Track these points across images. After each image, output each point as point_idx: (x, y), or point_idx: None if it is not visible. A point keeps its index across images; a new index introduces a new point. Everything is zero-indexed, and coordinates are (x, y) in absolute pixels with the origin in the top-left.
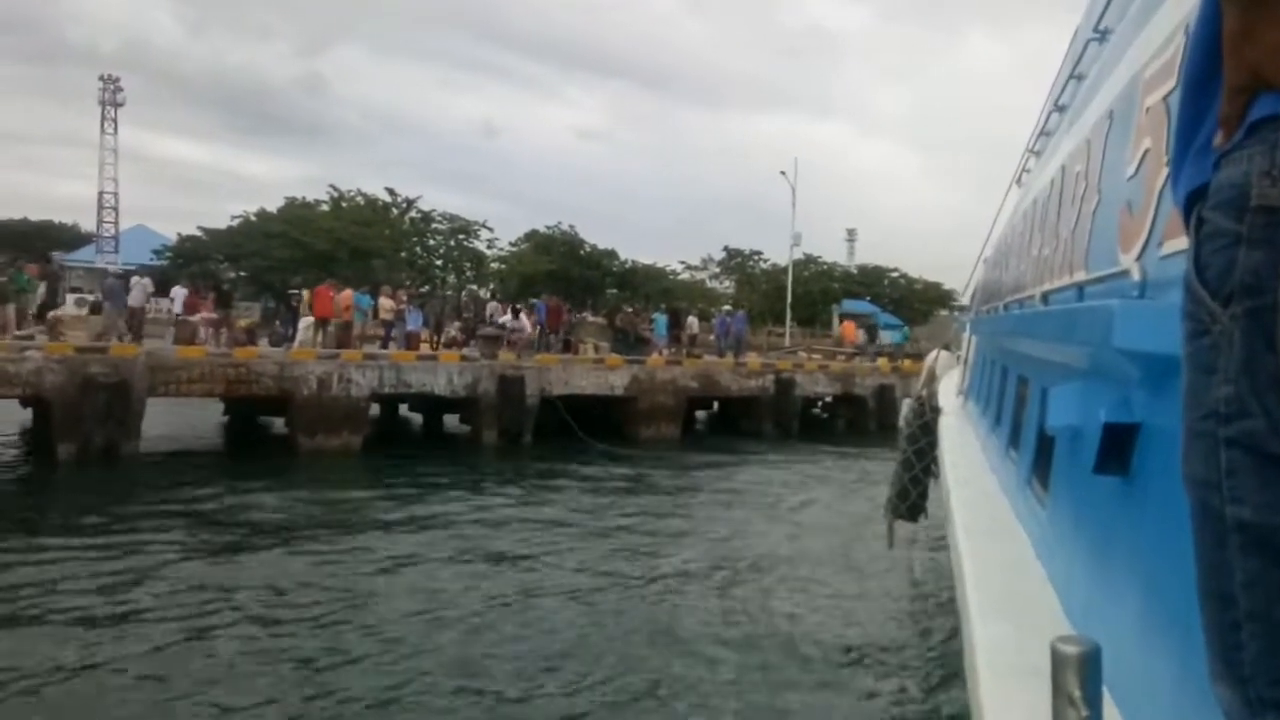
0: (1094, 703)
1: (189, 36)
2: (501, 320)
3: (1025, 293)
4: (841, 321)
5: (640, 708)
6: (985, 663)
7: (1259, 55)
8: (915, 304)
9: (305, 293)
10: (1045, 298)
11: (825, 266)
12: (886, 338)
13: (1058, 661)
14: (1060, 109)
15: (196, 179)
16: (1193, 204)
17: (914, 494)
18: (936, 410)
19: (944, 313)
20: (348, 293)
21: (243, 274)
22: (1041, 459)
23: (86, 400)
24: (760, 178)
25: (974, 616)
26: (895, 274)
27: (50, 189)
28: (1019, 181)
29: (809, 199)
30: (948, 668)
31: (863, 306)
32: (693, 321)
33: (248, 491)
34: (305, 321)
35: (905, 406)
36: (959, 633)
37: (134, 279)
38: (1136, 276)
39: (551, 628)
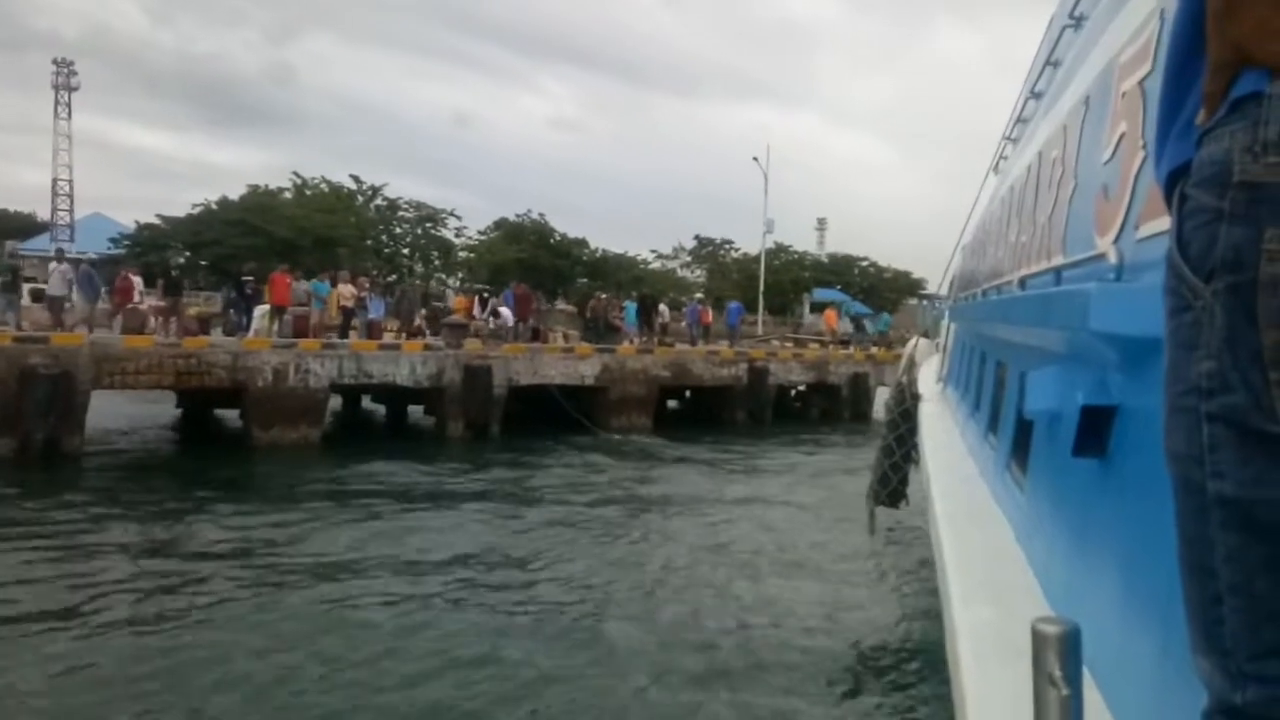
0: (1074, 681)
1: (155, 24)
2: (458, 318)
3: (1003, 278)
4: (812, 310)
5: (609, 704)
6: (967, 646)
7: (1242, 32)
8: (885, 292)
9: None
10: (1023, 283)
11: (796, 255)
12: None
13: (1038, 641)
14: (1037, 96)
15: (164, 168)
16: (1175, 182)
17: (895, 480)
18: (917, 397)
19: (913, 301)
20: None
21: (203, 263)
22: (1020, 443)
23: (26, 393)
24: (731, 168)
25: (955, 601)
26: (865, 263)
27: (9, 177)
28: (996, 169)
29: (779, 189)
30: (930, 652)
31: (833, 295)
32: (664, 310)
33: (194, 489)
34: (260, 310)
35: (885, 394)
36: (940, 617)
37: (52, 265)
38: (1113, 260)
39: (516, 644)
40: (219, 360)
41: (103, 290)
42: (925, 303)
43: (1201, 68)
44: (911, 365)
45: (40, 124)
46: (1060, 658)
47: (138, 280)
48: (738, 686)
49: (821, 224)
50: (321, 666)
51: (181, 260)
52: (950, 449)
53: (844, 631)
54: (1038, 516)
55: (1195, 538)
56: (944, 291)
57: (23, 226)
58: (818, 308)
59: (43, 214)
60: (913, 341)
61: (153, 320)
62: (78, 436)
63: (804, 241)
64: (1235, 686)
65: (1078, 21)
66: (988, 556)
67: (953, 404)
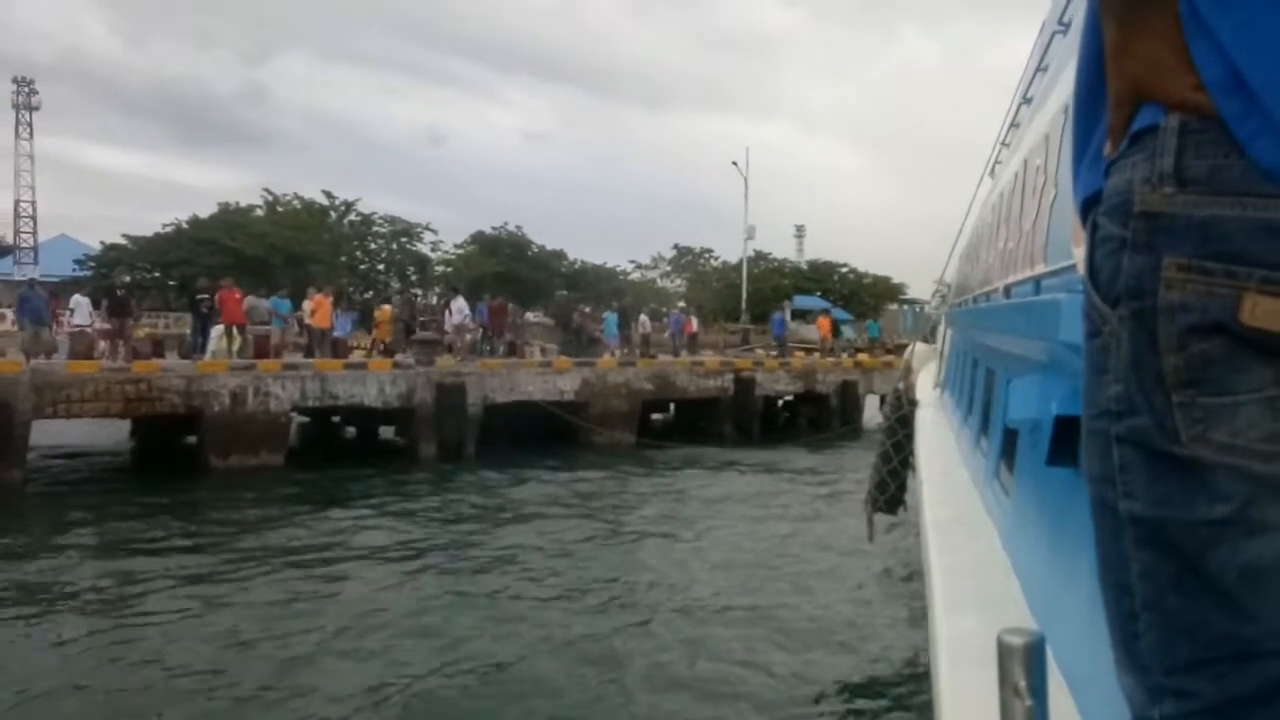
0: (1039, 692)
1: (127, 47)
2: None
3: (991, 285)
4: (793, 317)
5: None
6: (946, 654)
7: (1137, 68)
8: (865, 298)
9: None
10: (1008, 290)
11: (776, 263)
12: (845, 332)
13: (1003, 653)
14: (1028, 101)
15: (136, 189)
16: (1089, 209)
17: (892, 486)
18: (914, 403)
19: (893, 306)
20: (247, 297)
21: (171, 283)
22: (1007, 451)
23: None
24: (708, 178)
25: (938, 608)
26: (845, 269)
27: None
28: (991, 173)
29: (755, 198)
30: (915, 661)
31: (814, 302)
32: (644, 320)
33: (139, 520)
34: (216, 330)
35: (875, 402)
36: (925, 623)
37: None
38: (1083, 271)
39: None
40: (171, 385)
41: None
42: (906, 308)
43: (1106, 100)
44: (909, 370)
45: (6, 148)
46: (1025, 668)
47: (84, 301)
48: (720, 694)
49: (800, 231)
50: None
51: (128, 279)
52: (944, 455)
53: (831, 641)
54: (1022, 525)
55: (1111, 556)
56: (939, 296)
57: None
58: (798, 315)
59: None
60: (911, 347)
61: (101, 344)
62: (17, 469)
63: (783, 249)
64: (1153, 701)
65: (1066, 27)
66: (973, 564)
67: (948, 410)
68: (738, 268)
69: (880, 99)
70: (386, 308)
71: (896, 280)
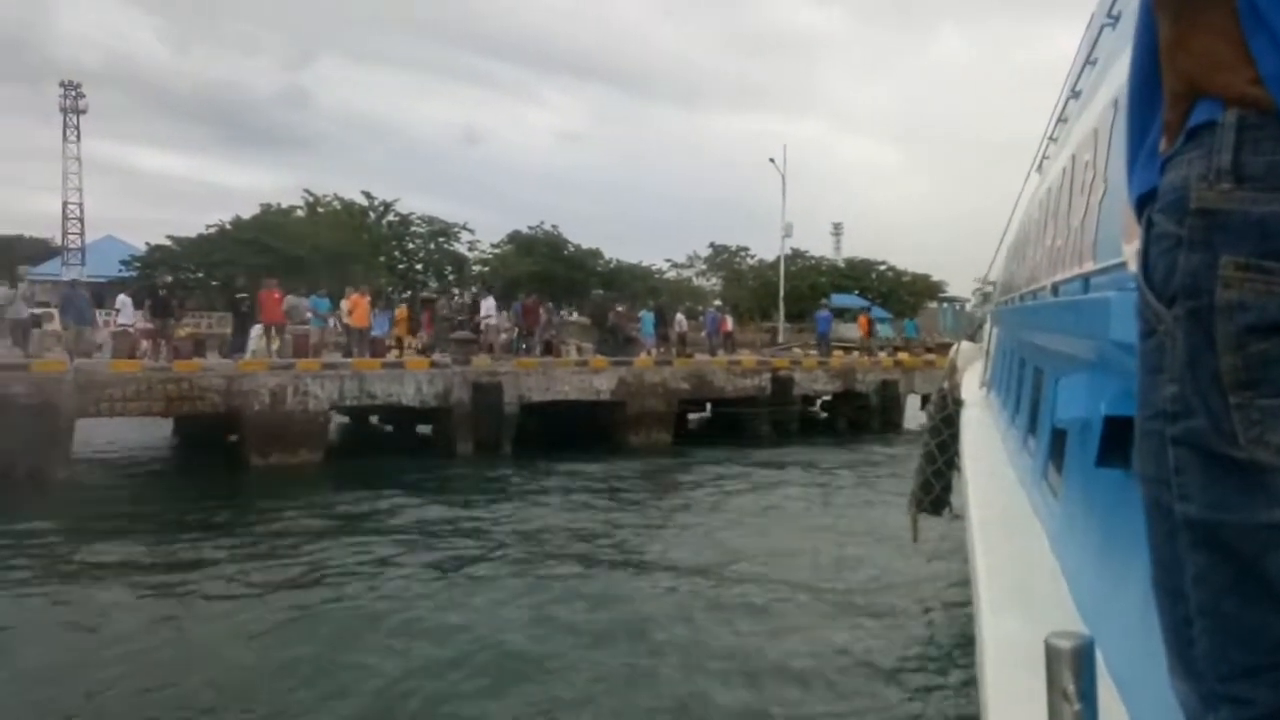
0: (1088, 696)
1: (174, 53)
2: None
3: (1039, 283)
4: (833, 315)
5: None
6: (993, 657)
7: (1192, 63)
8: (904, 296)
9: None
10: (1055, 289)
11: (813, 261)
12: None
13: (1051, 656)
14: (1076, 95)
15: (182, 191)
16: (1144, 206)
17: (937, 487)
18: (959, 402)
19: (933, 304)
20: (287, 297)
21: (214, 283)
22: (1055, 451)
23: (5, 424)
24: (744, 176)
25: (985, 610)
26: (883, 267)
27: (22, 204)
28: (1039, 168)
29: (792, 196)
30: (962, 663)
31: (852, 301)
32: (681, 319)
33: (181, 517)
34: (256, 330)
35: (915, 402)
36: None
37: None
38: (1134, 268)
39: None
40: (212, 384)
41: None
42: (945, 306)
43: (1162, 96)
44: (954, 370)
45: (55, 150)
46: (1074, 672)
47: (128, 301)
48: (765, 690)
49: (838, 229)
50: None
51: (169, 279)
52: (990, 455)
53: (876, 641)
54: (1071, 526)
55: (1165, 560)
56: (979, 294)
57: (36, 252)
58: (836, 313)
59: (60, 239)
60: (956, 346)
61: (144, 344)
62: (63, 467)
63: (819, 247)
64: (1208, 708)
65: (1115, 20)
66: (1021, 565)
67: (994, 410)
68: (774, 266)
69: (917, 95)
70: (404, 307)
71: (936, 278)
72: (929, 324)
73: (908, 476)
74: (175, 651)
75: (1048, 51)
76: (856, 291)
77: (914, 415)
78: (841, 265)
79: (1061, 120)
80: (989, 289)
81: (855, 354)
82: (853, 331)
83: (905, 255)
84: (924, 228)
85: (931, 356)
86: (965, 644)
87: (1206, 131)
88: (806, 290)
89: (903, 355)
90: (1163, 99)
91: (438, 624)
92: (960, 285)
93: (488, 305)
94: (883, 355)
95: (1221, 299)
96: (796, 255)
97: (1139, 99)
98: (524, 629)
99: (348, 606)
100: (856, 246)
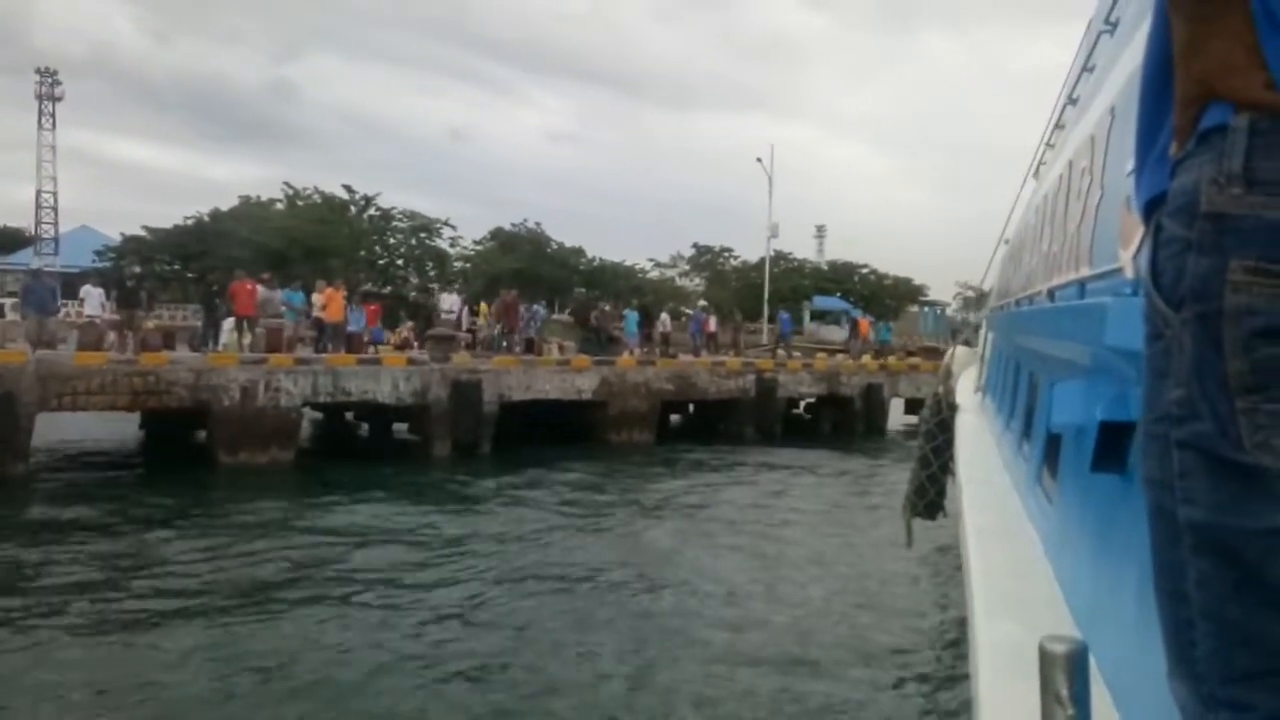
0: (1081, 701)
1: (156, 44)
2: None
3: (1035, 288)
4: (812, 318)
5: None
6: (987, 661)
7: (1206, 66)
8: (885, 299)
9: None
10: (1052, 294)
11: (796, 263)
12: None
13: (1045, 660)
14: (1073, 102)
15: (162, 183)
16: (1152, 210)
17: (931, 492)
18: (954, 407)
19: (914, 308)
20: (259, 289)
21: (190, 276)
22: (1050, 456)
23: None
24: (728, 178)
25: (979, 615)
26: (865, 270)
27: (2, 194)
28: (1035, 174)
29: (776, 197)
30: (955, 667)
31: (834, 303)
32: (665, 319)
33: (140, 521)
34: (228, 323)
35: (899, 405)
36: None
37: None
38: (1130, 274)
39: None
40: (180, 378)
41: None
42: (926, 309)
43: (1172, 99)
44: (949, 375)
45: (33, 139)
46: (1067, 677)
47: (95, 291)
48: (752, 697)
49: (821, 231)
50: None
51: (138, 269)
52: (984, 460)
53: (867, 646)
54: (1065, 530)
55: (1168, 563)
56: (960, 299)
57: (8, 241)
58: (817, 316)
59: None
60: (950, 351)
61: (110, 335)
62: (21, 462)
63: (802, 249)
64: (1208, 711)
65: (1113, 27)
66: (1015, 570)
67: (989, 414)
68: (757, 267)
69: (902, 101)
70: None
71: (917, 282)
72: (909, 327)
73: (894, 480)
74: (121, 657)
75: (1032, 59)
76: (839, 294)
77: (898, 419)
78: (824, 268)
79: (1059, 127)
80: (970, 293)
81: (839, 357)
82: (835, 334)
83: (887, 259)
84: (906, 232)
85: (916, 360)
86: (957, 647)
87: (1218, 135)
88: (789, 292)
89: (889, 359)
90: (1173, 102)
91: (403, 638)
92: (941, 289)
93: (450, 301)
94: (865, 359)
95: (1230, 303)
96: (780, 257)
97: (1149, 102)
98: (491, 639)
99: (304, 615)
100: (839, 249)
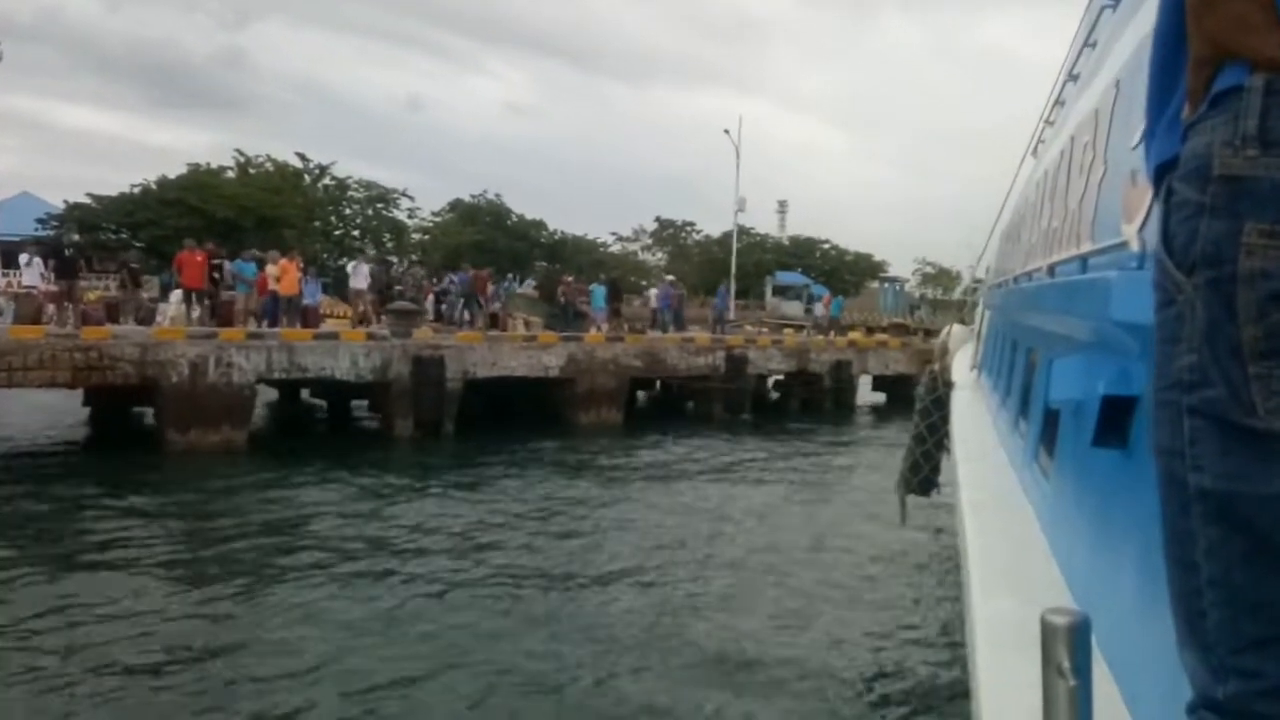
0: (1083, 672)
1: (105, 9)
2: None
3: (1034, 265)
4: (774, 293)
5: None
6: (984, 636)
7: (1219, 26)
8: (846, 275)
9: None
10: (1052, 270)
11: (758, 238)
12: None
13: (1047, 633)
14: (1074, 78)
15: (109, 150)
16: (1163, 175)
17: (926, 468)
18: (949, 384)
19: (874, 284)
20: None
21: (138, 245)
22: (1047, 432)
23: None
24: (691, 152)
25: (975, 590)
26: (826, 245)
27: None
28: (1034, 152)
29: (740, 171)
30: (951, 644)
31: (795, 278)
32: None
33: (82, 506)
34: (175, 295)
35: (868, 382)
36: (961, 607)
37: None
38: (1136, 247)
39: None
40: (124, 353)
41: None
42: (886, 285)
43: (1185, 62)
44: (944, 352)
45: None
46: (1069, 648)
47: (35, 260)
48: (748, 675)
49: (783, 206)
50: None
51: (76, 237)
52: (980, 437)
53: (863, 624)
54: (1062, 506)
55: (1178, 531)
56: (927, 274)
57: None
58: (779, 291)
59: None
60: (946, 328)
61: (50, 308)
62: None
63: (764, 224)
64: (1217, 680)
65: (1115, 3)
66: (1011, 546)
67: (985, 391)
68: (719, 241)
69: (862, 79)
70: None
71: (878, 258)
72: (869, 303)
73: (872, 458)
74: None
75: (992, 38)
76: (800, 269)
77: (866, 396)
78: (786, 243)
79: (1059, 103)
80: (929, 269)
81: (805, 331)
82: (796, 309)
83: (848, 234)
84: (867, 208)
85: (884, 337)
86: (953, 624)
87: (1232, 97)
88: (751, 267)
89: (855, 335)
90: (1185, 67)
91: (356, 634)
92: (901, 265)
93: (360, 270)
94: (833, 335)
95: (1244, 267)
96: (742, 232)
97: (1161, 65)
98: (449, 632)
99: (251, 607)
100: (801, 225)
